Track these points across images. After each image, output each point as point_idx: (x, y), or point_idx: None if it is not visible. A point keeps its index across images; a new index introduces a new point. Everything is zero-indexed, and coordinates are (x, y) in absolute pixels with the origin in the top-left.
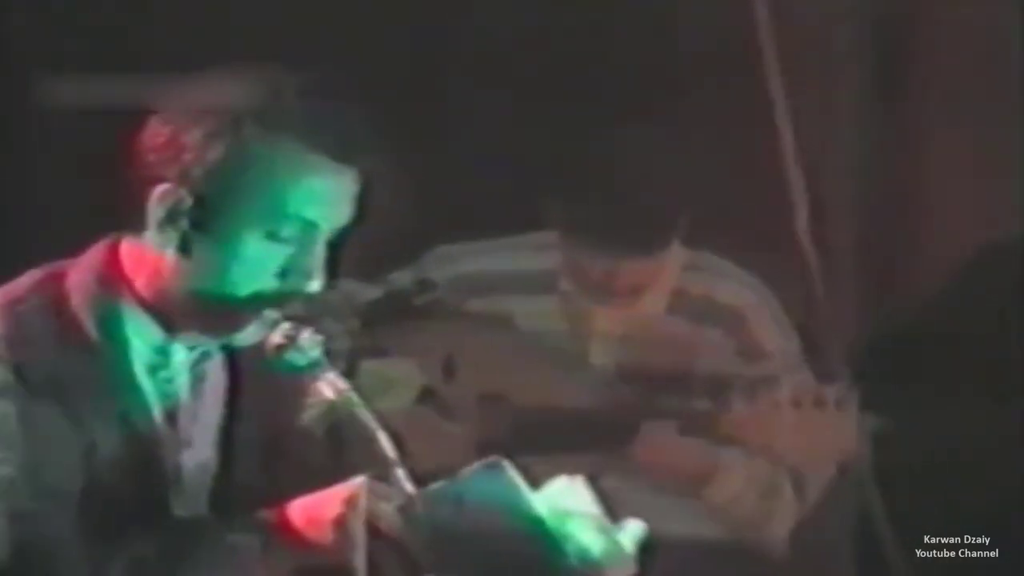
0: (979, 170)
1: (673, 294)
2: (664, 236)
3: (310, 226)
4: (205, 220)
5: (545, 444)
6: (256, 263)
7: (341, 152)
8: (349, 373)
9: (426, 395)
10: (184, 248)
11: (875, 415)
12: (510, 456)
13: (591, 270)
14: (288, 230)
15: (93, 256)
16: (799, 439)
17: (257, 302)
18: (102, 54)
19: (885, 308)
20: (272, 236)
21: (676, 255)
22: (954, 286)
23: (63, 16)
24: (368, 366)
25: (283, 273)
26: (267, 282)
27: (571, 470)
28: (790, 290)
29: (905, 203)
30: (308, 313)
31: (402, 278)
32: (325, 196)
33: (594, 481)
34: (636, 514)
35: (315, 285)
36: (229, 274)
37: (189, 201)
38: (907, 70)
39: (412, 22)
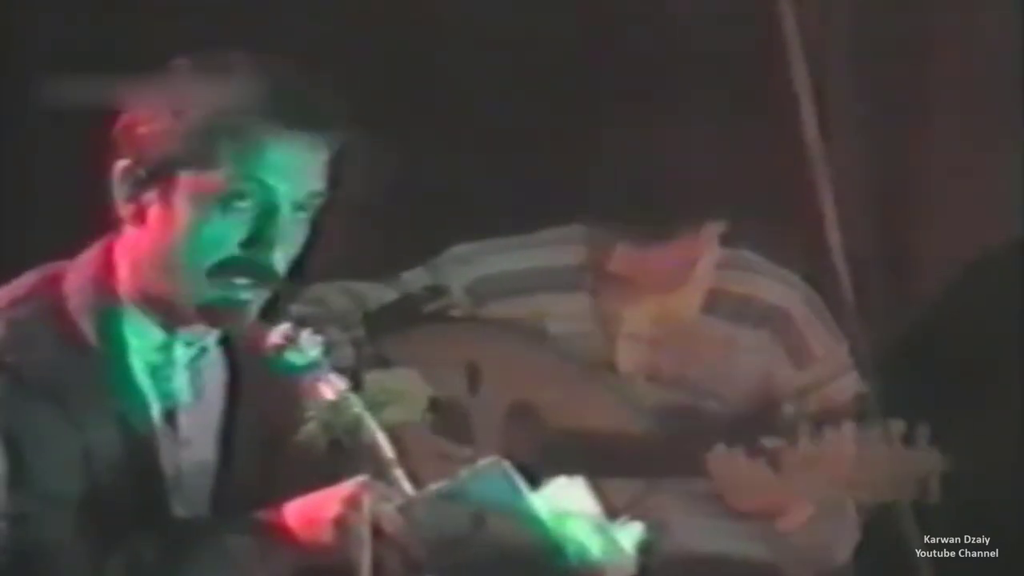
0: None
1: (709, 293)
2: (690, 218)
3: (267, 190)
4: (165, 193)
5: (583, 466)
6: (217, 233)
7: (302, 122)
8: (354, 387)
9: (434, 407)
10: (146, 221)
11: (943, 451)
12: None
13: (617, 262)
14: (245, 193)
15: (89, 257)
16: (866, 475)
17: (222, 272)
18: (101, 54)
19: (915, 321)
20: (228, 205)
21: (709, 252)
22: (982, 299)
23: (62, 16)
24: (372, 378)
25: (246, 244)
26: (230, 252)
27: (613, 495)
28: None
29: (942, 218)
30: (315, 318)
31: (416, 279)
32: (283, 163)
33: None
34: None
35: (278, 256)
36: (192, 244)
37: (144, 175)
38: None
39: (416, 14)
